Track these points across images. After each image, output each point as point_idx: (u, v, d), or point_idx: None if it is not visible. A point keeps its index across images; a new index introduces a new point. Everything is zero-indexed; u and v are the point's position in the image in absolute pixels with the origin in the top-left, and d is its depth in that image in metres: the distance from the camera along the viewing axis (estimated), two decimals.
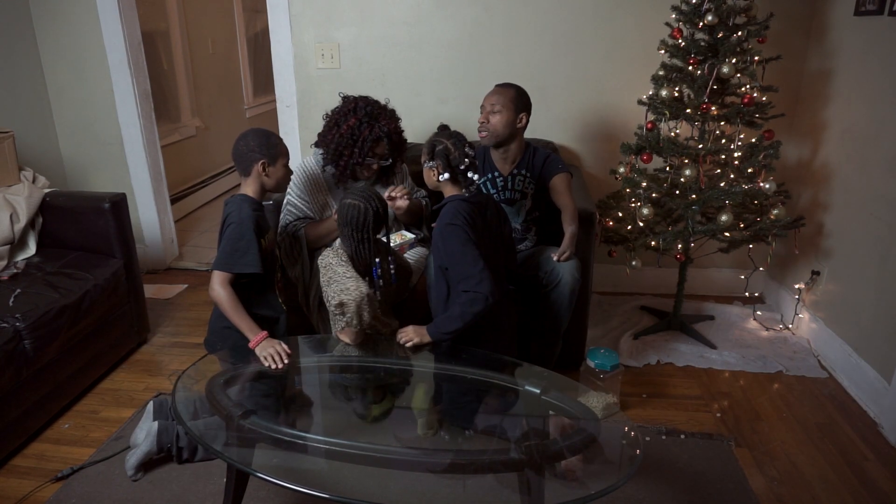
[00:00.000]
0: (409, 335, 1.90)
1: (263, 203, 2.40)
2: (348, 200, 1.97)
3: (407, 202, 2.31)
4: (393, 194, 2.30)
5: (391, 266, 2.05)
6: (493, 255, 1.98)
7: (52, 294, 2.27)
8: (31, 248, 2.61)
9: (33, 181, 2.79)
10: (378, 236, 2.01)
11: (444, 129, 2.02)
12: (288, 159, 2.10)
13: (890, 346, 2.27)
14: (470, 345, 1.93)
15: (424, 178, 2.02)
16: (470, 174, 1.95)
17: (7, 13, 3.09)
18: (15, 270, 2.43)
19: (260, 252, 1.97)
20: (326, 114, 2.39)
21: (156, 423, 2.01)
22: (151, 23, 4.13)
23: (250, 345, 1.87)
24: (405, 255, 2.38)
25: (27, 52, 3.22)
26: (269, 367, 1.82)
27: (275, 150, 2.03)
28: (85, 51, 3.24)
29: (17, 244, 2.58)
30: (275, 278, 2.13)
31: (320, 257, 2.00)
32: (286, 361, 1.84)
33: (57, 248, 2.66)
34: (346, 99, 2.37)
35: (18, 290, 2.25)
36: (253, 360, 1.87)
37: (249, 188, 2.04)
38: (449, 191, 1.98)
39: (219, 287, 1.93)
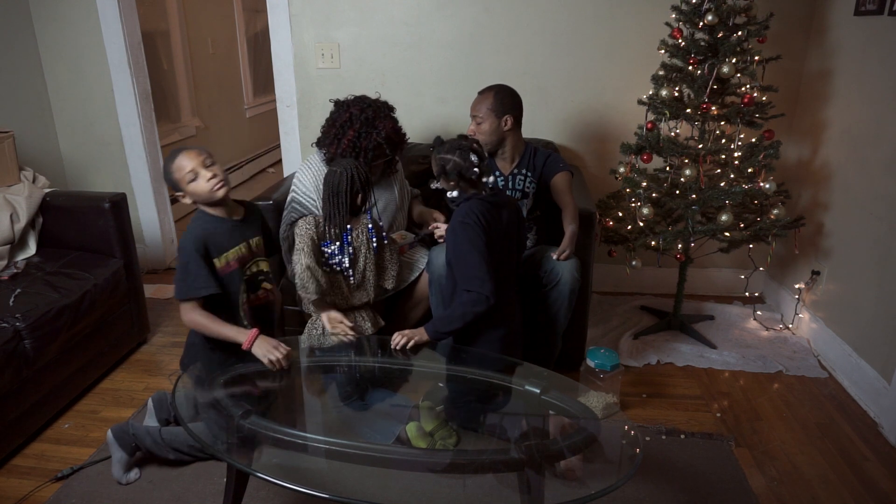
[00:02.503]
0: (406, 336, 1.88)
1: (263, 203, 2.41)
2: (331, 167, 2.08)
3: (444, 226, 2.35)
4: (437, 226, 2.34)
5: (372, 237, 2.11)
6: (506, 257, 1.98)
7: (52, 294, 2.27)
8: (31, 248, 2.61)
9: (33, 181, 2.79)
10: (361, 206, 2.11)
11: (440, 143, 1.98)
12: (189, 172, 1.84)
13: (890, 346, 2.27)
14: (476, 346, 1.93)
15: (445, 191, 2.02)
16: (484, 179, 1.95)
17: (7, 13, 3.09)
18: (15, 270, 2.43)
19: (214, 272, 1.87)
20: (323, 126, 2.36)
21: (149, 399, 2.08)
22: (151, 23, 4.13)
23: (244, 346, 1.82)
24: (405, 254, 2.38)
25: (27, 52, 3.22)
26: (273, 368, 1.80)
27: (170, 178, 1.87)
28: (85, 51, 3.24)
29: (17, 244, 2.58)
30: (239, 300, 1.95)
31: (296, 226, 2.10)
32: (289, 359, 1.82)
33: (57, 248, 2.66)
34: (338, 105, 2.33)
35: (18, 290, 2.25)
36: (247, 360, 1.84)
37: (199, 203, 1.92)
38: (469, 191, 1.97)
39: (188, 314, 1.86)
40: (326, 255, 2.08)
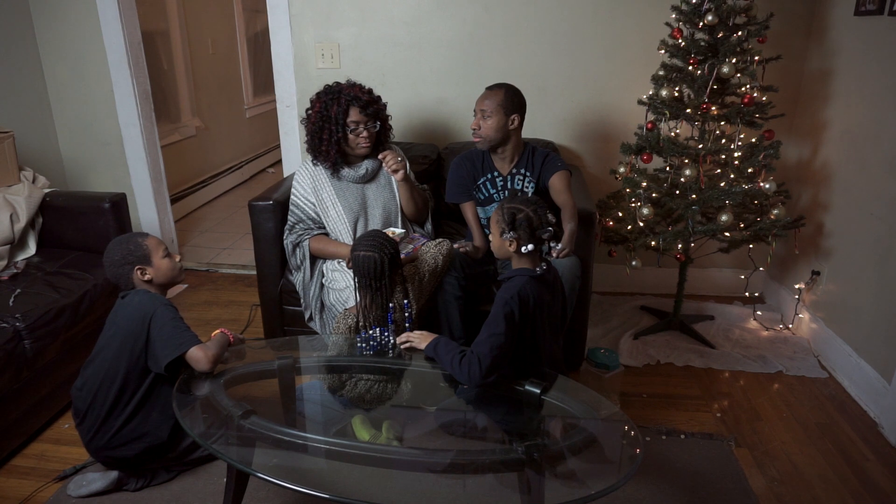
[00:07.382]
0: (408, 339, 1.85)
1: (263, 203, 2.42)
2: (361, 253, 1.90)
3: (402, 170, 2.33)
4: (386, 161, 2.31)
5: (407, 311, 1.99)
6: (542, 333, 1.83)
7: (52, 294, 2.27)
8: (31, 248, 2.61)
9: (33, 181, 2.79)
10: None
11: (515, 194, 1.89)
12: (163, 248, 1.91)
13: (890, 346, 2.27)
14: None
15: (494, 247, 1.84)
16: (553, 244, 1.81)
17: (7, 13, 3.09)
18: (15, 270, 2.43)
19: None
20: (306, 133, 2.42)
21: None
22: (151, 23, 4.13)
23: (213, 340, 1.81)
24: (418, 252, 2.36)
25: (27, 52, 3.22)
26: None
27: (140, 251, 1.86)
28: (85, 51, 3.24)
29: (17, 244, 2.58)
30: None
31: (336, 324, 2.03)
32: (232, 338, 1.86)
33: (57, 248, 2.66)
34: (311, 100, 2.40)
35: (18, 290, 2.25)
36: (233, 360, 1.86)
37: (155, 281, 1.91)
38: (522, 263, 1.78)
39: (203, 358, 1.73)
40: (361, 345, 1.90)
